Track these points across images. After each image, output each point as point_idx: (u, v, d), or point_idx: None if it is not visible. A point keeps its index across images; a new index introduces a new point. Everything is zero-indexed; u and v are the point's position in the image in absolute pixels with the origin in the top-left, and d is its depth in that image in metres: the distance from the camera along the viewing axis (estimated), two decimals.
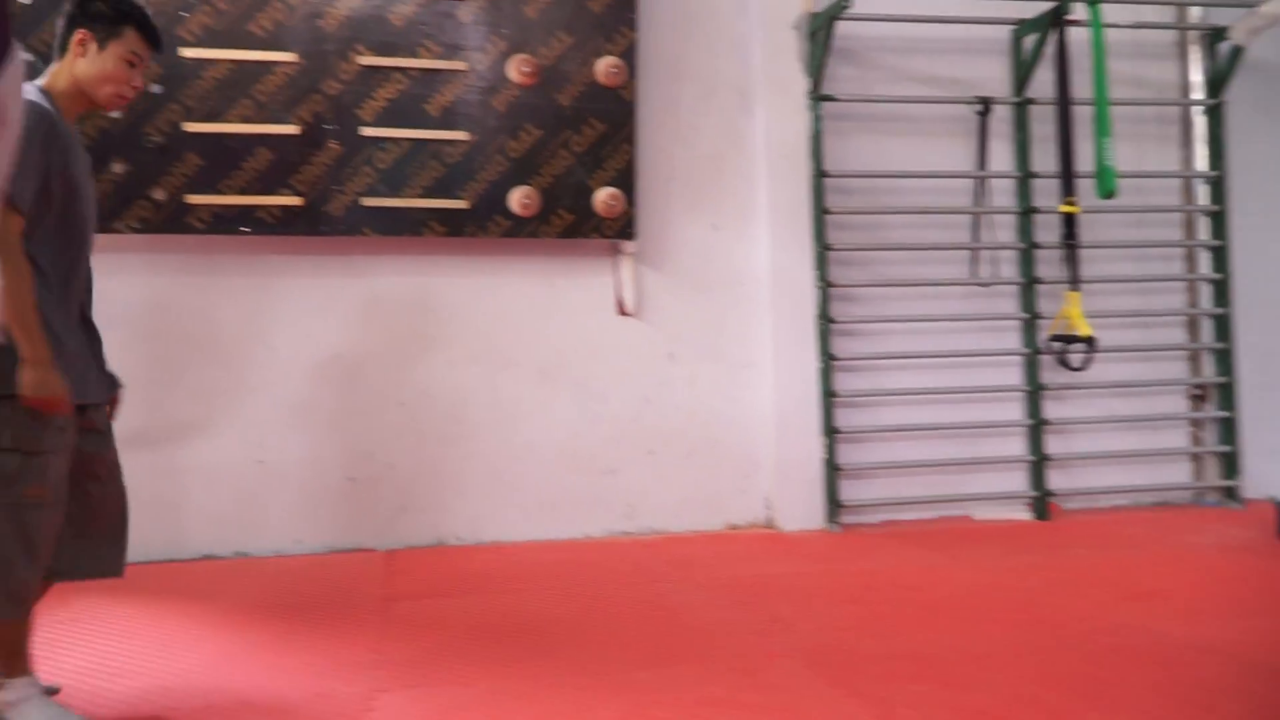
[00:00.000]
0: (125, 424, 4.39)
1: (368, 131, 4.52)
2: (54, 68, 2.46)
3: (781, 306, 5.00)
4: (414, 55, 4.57)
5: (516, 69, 4.65)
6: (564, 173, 4.73)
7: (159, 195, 4.36)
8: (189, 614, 3.53)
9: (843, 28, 5.01)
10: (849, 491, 5.08)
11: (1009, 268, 5.32)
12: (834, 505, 4.97)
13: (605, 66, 4.73)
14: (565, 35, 4.71)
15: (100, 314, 2.63)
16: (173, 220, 4.38)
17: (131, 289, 4.45)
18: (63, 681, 2.74)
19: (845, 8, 4.70)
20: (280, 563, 4.43)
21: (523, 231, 4.71)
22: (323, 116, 4.49)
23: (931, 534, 4.81)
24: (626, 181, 4.80)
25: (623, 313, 4.97)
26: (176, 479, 4.52)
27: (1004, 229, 5.33)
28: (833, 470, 4.98)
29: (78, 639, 3.23)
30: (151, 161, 4.35)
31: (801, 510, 4.97)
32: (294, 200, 4.46)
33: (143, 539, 4.43)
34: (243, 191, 4.43)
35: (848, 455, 5.09)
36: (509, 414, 4.85)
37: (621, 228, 4.83)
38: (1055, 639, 3.00)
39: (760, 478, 5.08)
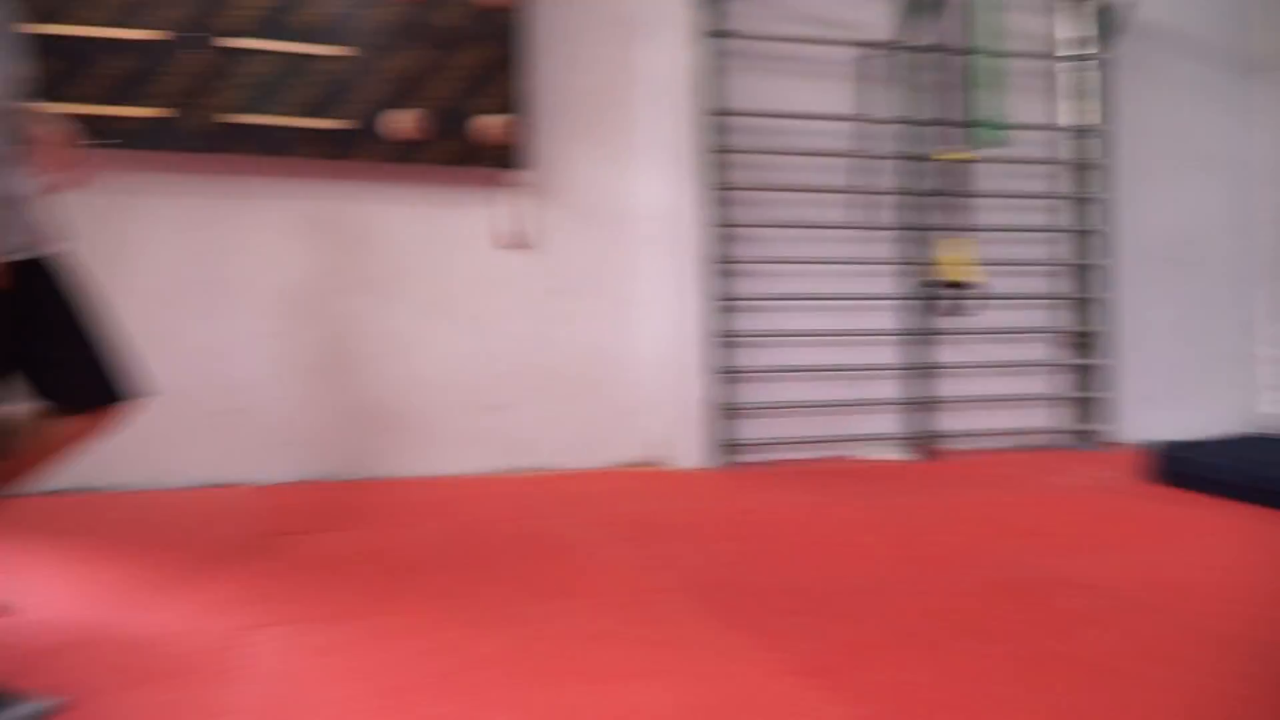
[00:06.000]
0: None
1: (237, 43, 4.26)
2: None
3: (666, 244, 4.97)
4: None
5: None
6: (448, 96, 4.56)
7: None
8: (60, 549, 3.34)
9: None
10: (736, 431, 5.12)
11: (892, 214, 5.38)
12: (721, 444, 5.00)
13: None
14: None
15: None
16: None
17: None
18: None
19: None
20: (155, 496, 4.23)
21: (408, 157, 4.54)
22: (186, 24, 4.20)
23: (815, 473, 4.89)
24: (512, 109, 4.66)
25: (508, 245, 4.86)
26: None
27: (888, 175, 5.39)
28: (720, 410, 5.01)
29: None
30: None
31: (688, 449, 4.99)
32: (160, 112, 4.19)
33: None
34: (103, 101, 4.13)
35: (735, 395, 5.12)
36: (395, 347, 4.72)
37: (507, 157, 4.69)
38: (934, 573, 3.08)
39: (649, 416, 5.07)
